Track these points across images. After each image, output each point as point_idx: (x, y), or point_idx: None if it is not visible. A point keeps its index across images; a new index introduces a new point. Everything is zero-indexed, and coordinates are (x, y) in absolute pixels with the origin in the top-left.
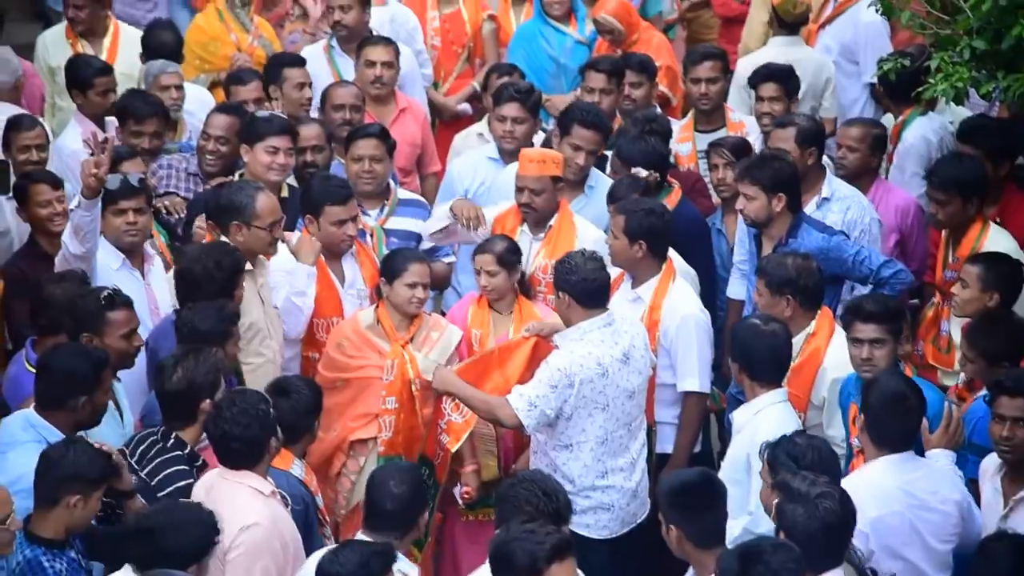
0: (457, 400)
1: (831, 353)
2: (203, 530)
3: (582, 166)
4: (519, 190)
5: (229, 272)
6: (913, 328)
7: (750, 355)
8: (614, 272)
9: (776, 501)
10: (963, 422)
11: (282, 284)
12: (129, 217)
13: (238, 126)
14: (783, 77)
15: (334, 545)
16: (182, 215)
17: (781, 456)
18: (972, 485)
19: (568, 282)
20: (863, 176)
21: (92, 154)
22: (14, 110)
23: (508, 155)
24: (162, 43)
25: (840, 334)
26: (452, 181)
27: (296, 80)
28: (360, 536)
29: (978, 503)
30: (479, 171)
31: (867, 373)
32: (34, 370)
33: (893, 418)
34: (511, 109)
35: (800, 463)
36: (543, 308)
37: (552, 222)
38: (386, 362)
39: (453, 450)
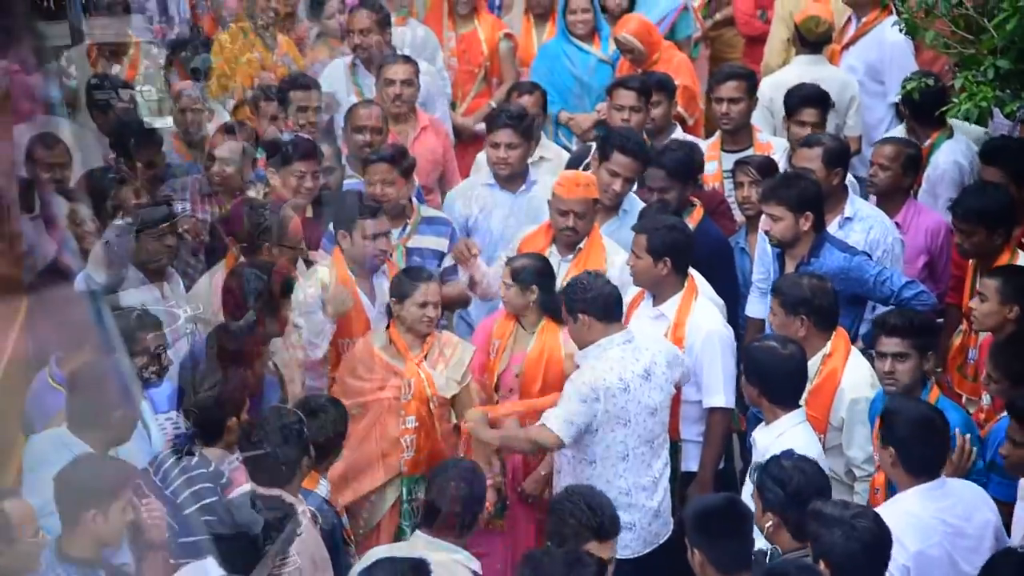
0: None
1: (848, 374)
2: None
3: (618, 192)
4: (563, 214)
5: (282, 289)
6: (938, 352)
7: (769, 378)
8: (631, 293)
9: (768, 523)
10: (974, 448)
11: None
12: (168, 240)
13: (242, 145)
14: (821, 100)
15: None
16: (204, 238)
17: (767, 481)
18: (1000, 506)
19: (585, 300)
20: (894, 195)
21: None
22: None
23: (503, 180)
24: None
25: (856, 354)
26: (449, 211)
27: (299, 104)
28: (419, 535)
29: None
30: (476, 199)
31: (890, 387)
32: (58, 387)
33: (924, 444)
34: (504, 135)
35: (787, 487)
36: (567, 335)
37: (582, 244)
38: (403, 381)
39: None
